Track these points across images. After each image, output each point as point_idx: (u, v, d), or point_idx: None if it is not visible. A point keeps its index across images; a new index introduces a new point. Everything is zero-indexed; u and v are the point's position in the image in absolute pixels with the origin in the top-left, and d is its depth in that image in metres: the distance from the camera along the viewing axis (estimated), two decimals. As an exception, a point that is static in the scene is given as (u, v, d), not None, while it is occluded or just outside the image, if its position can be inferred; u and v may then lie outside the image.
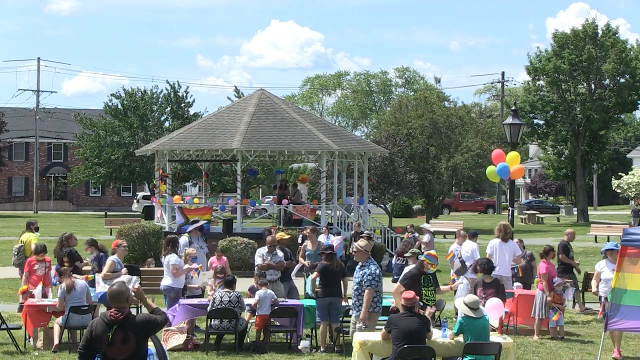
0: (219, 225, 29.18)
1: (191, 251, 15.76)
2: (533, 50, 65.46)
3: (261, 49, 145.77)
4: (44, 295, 15.43)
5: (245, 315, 14.62)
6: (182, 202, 29.03)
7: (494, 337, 11.48)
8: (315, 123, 29.54)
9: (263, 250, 16.31)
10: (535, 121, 55.68)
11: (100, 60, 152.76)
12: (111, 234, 37.55)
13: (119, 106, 57.83)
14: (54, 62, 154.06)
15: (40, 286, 15.36)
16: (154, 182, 32.00)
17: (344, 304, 14.02)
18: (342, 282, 14.23)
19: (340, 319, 13.98)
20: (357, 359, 11.26)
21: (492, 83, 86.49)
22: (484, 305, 12.19)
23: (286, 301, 15.10)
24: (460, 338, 11.17)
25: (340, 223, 28.43)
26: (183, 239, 17.78)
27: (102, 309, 13.41)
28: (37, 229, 19.51)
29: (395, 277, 19.84)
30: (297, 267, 18.55)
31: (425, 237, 23.83)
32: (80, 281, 14.60)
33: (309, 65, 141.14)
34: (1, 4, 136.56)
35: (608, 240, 35.82)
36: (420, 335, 10.83)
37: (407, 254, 15.38)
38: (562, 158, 59.40)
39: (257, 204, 33.33)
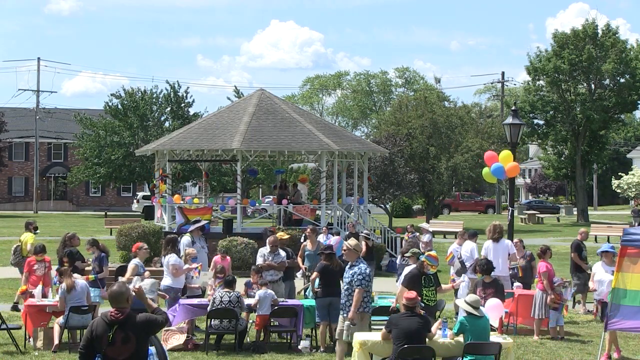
0: (219, 225, 29.18)
1: (191, 251, 15.75)
2: (533, 50, 65.60)
3: (261, 49, 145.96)
4: (44, 295, 15.43)
5: (243, 313, 14.62)
6: (182, 202, 29.04)
7: (494, 337, 11.49)
8: (315, 123, 29.54)
9: (265, 250, 16.30)
10: (535, 121, 55.71)
11: (100, 60, 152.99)
12: (111, 234, 37.55)
13: (119, 106, 57.82)
14: (54, 62, 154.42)
15: (40, 286, 15.36)
16: (154, 182, 32.01)
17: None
18: (341, 282, 14.21)
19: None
20: (357, 359, 11.26)
21: (492, 83, 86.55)
22: (483, 306, 12.19)
23: (286, 301, 15.10)
24: (460, 338, 11.17)
25: (340, 223, 28.42)
26: (186, 239, 17.78)
27: (103, 309, 13.40)
28: (35, 229, 19.50)
29: (400, 276, 19.83)
30: (299, 273, 18.60)
31: (426, 237, 23.84)
32: (80, 281, 14.60)
33: (309, 65, 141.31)
34: (1, 4, 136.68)
35: (608, 241, 36.01)
36: (420, 335, 10.82)
37: (407, 254, 15.37)
38: (562, 158, 59.44)
39: (257, 204, 33.34)
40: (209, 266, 16.93)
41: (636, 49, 53.92)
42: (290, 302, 15.18)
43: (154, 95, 58.84)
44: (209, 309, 14.13)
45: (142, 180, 59.91)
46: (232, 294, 14.15)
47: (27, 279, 16.14)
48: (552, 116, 54.33)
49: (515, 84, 78.14)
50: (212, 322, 14.08)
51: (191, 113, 58.88)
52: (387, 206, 45.36)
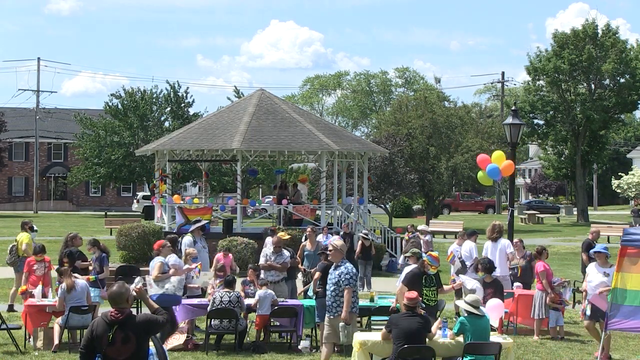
0: (219, 225, 29.17)
1: (191, 251, 15.71)
2: (533, 50, 65.63)
3: (261, 49, 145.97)
4: (44, 295, 15.43)
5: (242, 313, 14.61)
6: (182, 202, 29.03)
7: (494, 337, 11.49)
8: (315, 123, 29.54)
9: (268, 250, 16.28)
10: (535, 121, 55.70)
11: (100, 60, 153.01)
12: (111, 234, 37.56)
13: (119, 106, 57.82)
14: (54, 62, 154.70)
15: (40, 286, 15.35)
16: (154, 182, 32.00)
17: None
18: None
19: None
20: (357, 359, 11.26)
21: (492, 83, 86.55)
22: (484, 306, 12.19)
23: (286, 301, 15.10)
24: (460, 338, 11.17)
25: (340, 223, 28.40)
26: (187, 239, 17.74)
27: (103, 309, 13.40)
28: (31, 229, 19.43)
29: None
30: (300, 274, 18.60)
31: (427, 237, 23.84)
32: (80, 281, 14.60)
33: (309, 65, 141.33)
34: (1, 4, 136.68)
35: (608, 241, 35.98)
36: (420, 335, 10.82)
37: (407, 254, 15.36)
38: (562, 158, 59.42)
39: (257, 204, 33.33)
40: (210, 266, 16.88)
41: (636, 49, 53.91)
42: (290, 302, 15.17)
43: (154, 95, 58.84)
44: (209, 309, 14.13)
45: (142, 180, 59.91)
46: (232, 294, 14.16)
47: (27, 279, 16.12)
48: (552, 116, 54.33)
49: (515, 84, 78.25)
50: (212, 322, 14.09)
51: (191, 113, 58.87)
52: (387, 206, 45.35)
